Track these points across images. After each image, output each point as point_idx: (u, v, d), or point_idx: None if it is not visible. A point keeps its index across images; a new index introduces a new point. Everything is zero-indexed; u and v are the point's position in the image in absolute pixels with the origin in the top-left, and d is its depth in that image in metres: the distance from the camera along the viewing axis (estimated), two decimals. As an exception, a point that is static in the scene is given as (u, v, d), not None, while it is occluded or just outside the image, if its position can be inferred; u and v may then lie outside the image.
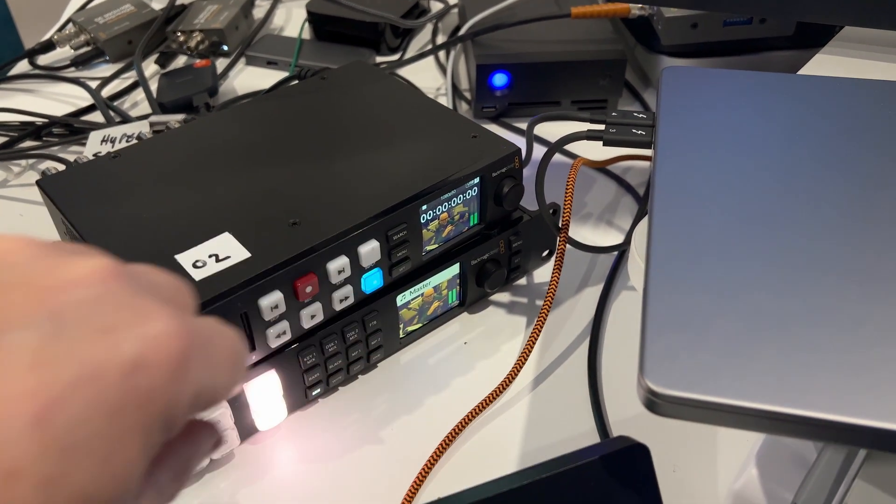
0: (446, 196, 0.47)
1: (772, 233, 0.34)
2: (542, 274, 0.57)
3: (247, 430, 0.44)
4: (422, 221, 0.46)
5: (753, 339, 0.29)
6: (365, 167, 0.47)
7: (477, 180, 0.48)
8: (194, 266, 0.40)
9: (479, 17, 0.76)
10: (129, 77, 0.82)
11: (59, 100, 0.79)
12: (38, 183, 0.47)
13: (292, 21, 0.94)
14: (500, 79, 0.72)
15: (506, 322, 0.53)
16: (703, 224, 0.35)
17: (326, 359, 0.45)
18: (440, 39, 0.87)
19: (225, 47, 0.86)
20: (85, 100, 0.77)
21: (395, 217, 0.44)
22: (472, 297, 0.53)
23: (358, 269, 0.44)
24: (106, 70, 0.83)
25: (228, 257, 0.41)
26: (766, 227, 0.34)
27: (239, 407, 0.42)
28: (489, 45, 0.73)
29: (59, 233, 0.50)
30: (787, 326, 0.29)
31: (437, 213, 0.47)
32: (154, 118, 0.63)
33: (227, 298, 0.38)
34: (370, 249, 0.43)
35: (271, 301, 0.40)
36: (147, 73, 0.81)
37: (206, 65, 0.79)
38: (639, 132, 0.43)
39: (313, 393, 0.46)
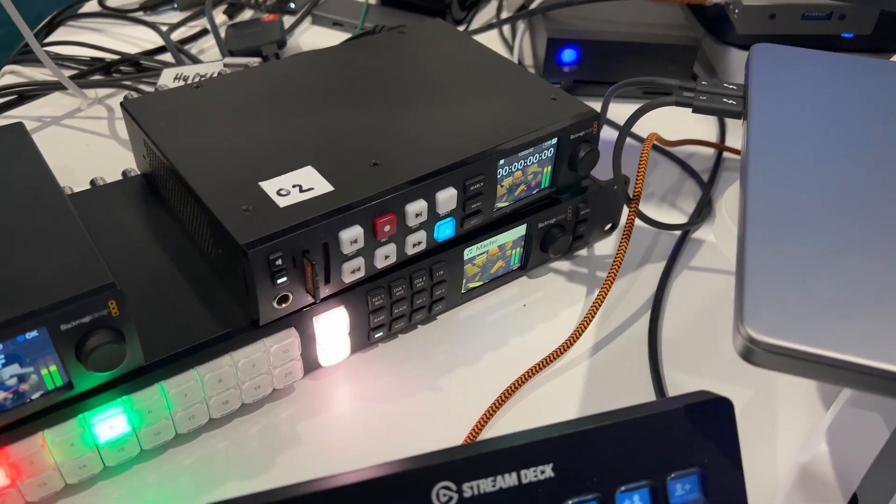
0: (524, 153, 0.46)
1: (865, 201, 0.34)
2: (602, 247, 0.56)
3: (310, 364, 0.44)
4: (498, 176, 0.46)
5: (854, 296, 0.29)
6: (443, 117, 0.47)
7: (555, 141, 0.48)
8: (278, 193, 0.40)
9: (553, -8, 0.75)
10: (196, 25, 0.83)
11: (126, 40, 0.79)
12: (122, 104, 0.48)
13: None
14: (568, 54, 0.72)
15: (565, 289, 0.53)
16: (799, 187, 0.34)
17: (392, 302, 0.45)
18: (504, 14, 0.87)
19: (292, 4, 0.86)
20: (151, 42, 0.78)
21: (473, 167, 0.44)
22: (533, 261, 0.53)
23: (433, 216, 0.44)
24: (172, 17, 0.84)
25: (312, 189, 0.41)
26: (860, 196, 0.34)
27: (306, 340, 0.43)
28: (560, 21, 0.73)
29: (135, 157, 0.50)
30: (885, 286, 0.29)
31: (513, 169, 0.47)
32: (229, 60, 0.63)
33: (311, 226, 0.39)
34: (448, 196, 0.43)
35: (351, 235, 0.40)
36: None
37: (273, 19, 0.79)
38: (730, 102, 0.43)
39: (376, 335, 0.46)
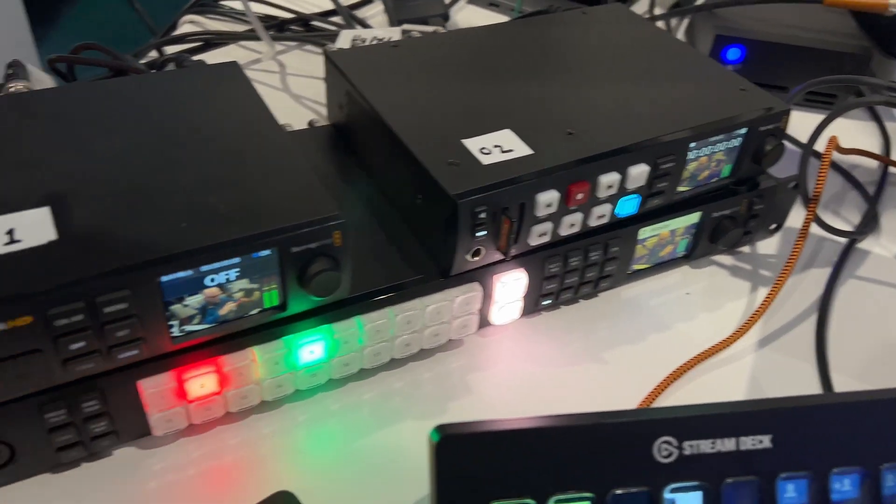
0: (714, 139, 0.46)
1: None
2: (764, 246, 0.56)
3: (482, 321, 0.45)
4: (687, 158, 0.46)
5: None
6: (632, 95, 0.48)
7: (744, 131, 0.47)
8: (481, 151, 0.42)
9: (723, -11, 0.74)
10: (360, -6, 0.85)
11: (293, 2, 0.83)
12: (327, 55, 0.50)
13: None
14: (734, 53, 0.71)
15: (729, 283, 0.52)
16: None
17: (565, 272, 0.46)
18: (657, 10, 0.86)
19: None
20: (315, 6, 0.81)
21: (666, 146, 0.44)
22: (699, 251, 0.52)
23: (622, 190, 0.44)
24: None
25: (512, 150, 0.42)
26: None
27: (485, 297, 0.44)
28: (727, 18, 0.72)
29: (329, 107, 0.53)
30: None
31: (700, 154, 0.47)
32: (407, 26, 0.65)
33: (514, 185, 0.40)
34: (639, 172, 0.44)
35: (548, 198, 0.41)
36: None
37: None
38: (947, 105, 0.42)
39: (543, 303, 0.47)
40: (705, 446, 0.29)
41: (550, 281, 0.46)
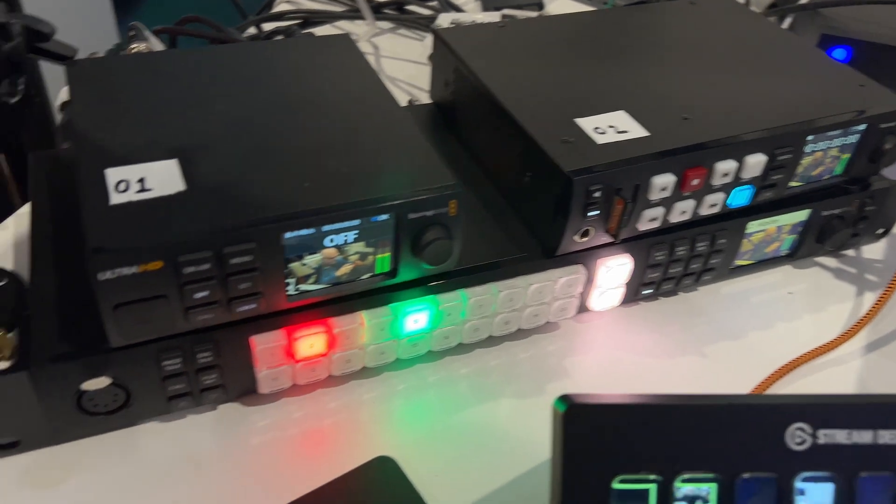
0: (832, 133, 0.45)
1: None
2: (871, 251, 0.54)
3: (582, 305, 0.45)
4: (804, 151, 0.45)
5: None
6: (747, 85, 0.46)
7: (863, 127, 0.46)
8: (595, 131, 0.41)
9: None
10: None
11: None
12: (436, 32, 0.50)
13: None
14: (839, 53, 0.69)
15: (833, 285, 0.51)
16: None
17: (670, 261, 0.45)
18: (753, 9, 0.84)
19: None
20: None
21: (785, 137, 0.43)
22: (803, 251, 0.51)
23: (736, 180, 0.43)
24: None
25: (627, 131, 0.41)
26: None
27: (588, 280, 0.43)
28: (832, 18, 0.70)
29: (432, 85, 0.53)
30: None
31: (816, 148, 0.45)
32: (507, 11, 0.65)
33: (630, 166, 0.39)
34: (756, 162, 0.42)
35: (663, 182, 0.40)
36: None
37: None
38: None
39: (643, 292, 0.46)
40: (841, 436, 0.27)
41: (654, 269, 0.45)
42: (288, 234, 0.34)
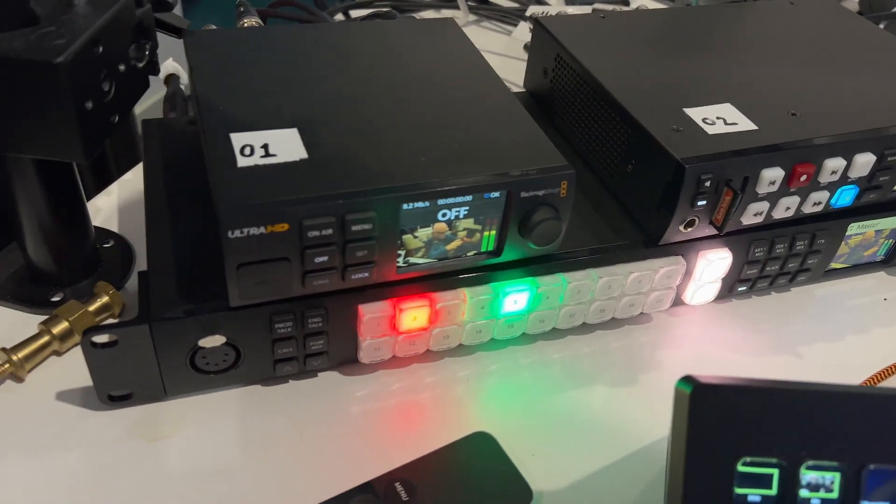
0: (944, 137, 0.44)
1: None
2: (968, 263, 0.52)
3: (676, 298, 0.45)
4: (914, 154, 0.44)
5: None
6: (853, 84, 0.46)
7: (977, 132, 0.44)
8: (704, 121, 0.41)
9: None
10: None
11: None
12: (536, 20, 0.50)
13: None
14: (936, 62, 0.67)
15: (930, 294, 0.49)
16: None
17: (767, 259, 0.45)
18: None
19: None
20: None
21: (893, 139, 0.42)
22: (900, 257, 0.50)
23: (843, 179, 0.42)
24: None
25: (736, 124, 0.41)
26: None
27: (686, 273, 0.43)
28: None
29: (527, 73, 0.53)
30: None
31: (926, 152, 0.44)
32: (597, 5, 0.65)
33: (742, 157, 0.39)
34: (865, 161, 0.42)
35: (772, 175, 0.40)
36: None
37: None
38: None
39: (738, 289, 0.46)
40: (976, 434, 0.27)
41: (752, 266, 0.45)
42: (406, 206, 0.34)
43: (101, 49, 0.34)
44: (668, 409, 0.29)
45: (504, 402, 0.40)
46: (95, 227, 0.45)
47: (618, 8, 0.69)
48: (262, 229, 0.32)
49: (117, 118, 0.37)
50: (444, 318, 0.39)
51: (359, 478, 0.34)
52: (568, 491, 0.36)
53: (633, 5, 0.82)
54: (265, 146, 0.35)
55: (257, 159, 0.34)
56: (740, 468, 0.27)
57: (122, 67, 0.37)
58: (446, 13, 0.74)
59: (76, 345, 0.40)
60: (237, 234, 0.32)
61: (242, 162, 0.34)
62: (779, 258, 0.45)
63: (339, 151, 0.35)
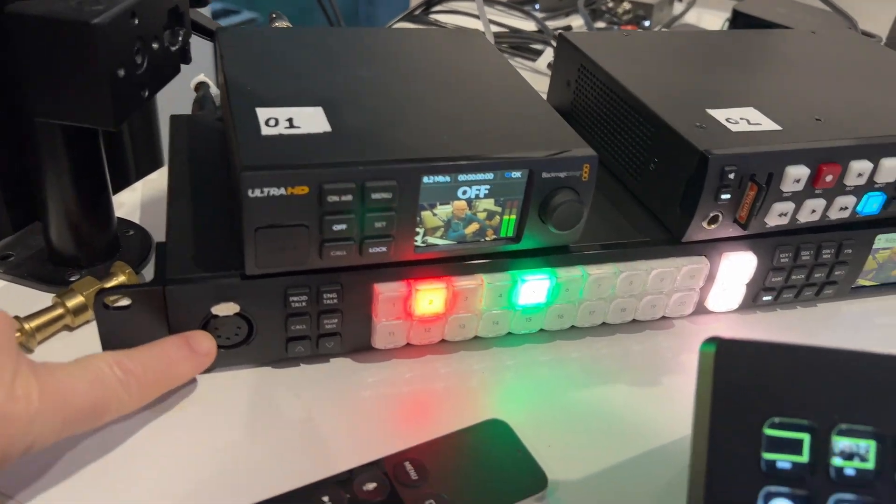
0: (972, 148, 0.43)
1: None
2: None
3: (700, 305, 0.43)
4: (942, 163, 0.43)
5: None
6: (876, 100, 0.46)
7: None
8: (727, 121, 0.41)
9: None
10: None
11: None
12: (561, 35, 0.52)
13: (708, 16, 0.96)
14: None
15: (964, 316, 0.48)
16: None
17: (793, 266, 0.44)
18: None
19: (647, 23, 0.89)
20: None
21: (922, 145, 0.42)
22: (931, 277, 0.48)
23: (870, 184, 0.42)
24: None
25: (759, 124, 0.41)
26: None
27: (709, 277, 0.42)
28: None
29: (550, 89, 0.54)
30: None
31: (954, 164, 0.44)
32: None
33: (766, 151, 0.39)
34: (891, 166, 0.41)
35: (797, 173, 0.39)
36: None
37: (633, 29, 0.83)
38: None
39: (763, 298, 0.45)
40: None
41: (778, 273, 0.44)
42: (426, 179, 0.34)
43: (136, 21, 0.36)
44: (692, 411, 0.28)
45: (520, 395, 0.39)
46: (118, 217, 0.45)
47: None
48: (283, 191, 0.32)
49: (147, 93, 0.38)
50: (461, 303, 0.38)
51: (367, 458, 0.33)
52: (584, 483, 0.34)
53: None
54: (290, 119, 0.35)
55: (281, 129, 0.34)
56: (768, 431, 0.26)
57: (155, 45, 0.38)
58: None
59: (89, 321, 0.39)
60: (257, 193, 0.32)
61: (266, 131, 0.34)
62: (804, 266, 0.44)
63: (364, 128, 0.36)
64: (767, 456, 0.26)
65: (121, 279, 0.41)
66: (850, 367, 0.26)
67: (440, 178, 0.34)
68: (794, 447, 0.26)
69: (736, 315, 0.45)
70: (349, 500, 0.31)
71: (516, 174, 0.36)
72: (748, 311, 0.46)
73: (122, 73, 0.35)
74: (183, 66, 0.42)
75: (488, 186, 0.35)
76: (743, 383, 0.26)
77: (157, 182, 0.52)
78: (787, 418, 0.26)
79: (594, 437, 0.37)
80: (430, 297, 0.37)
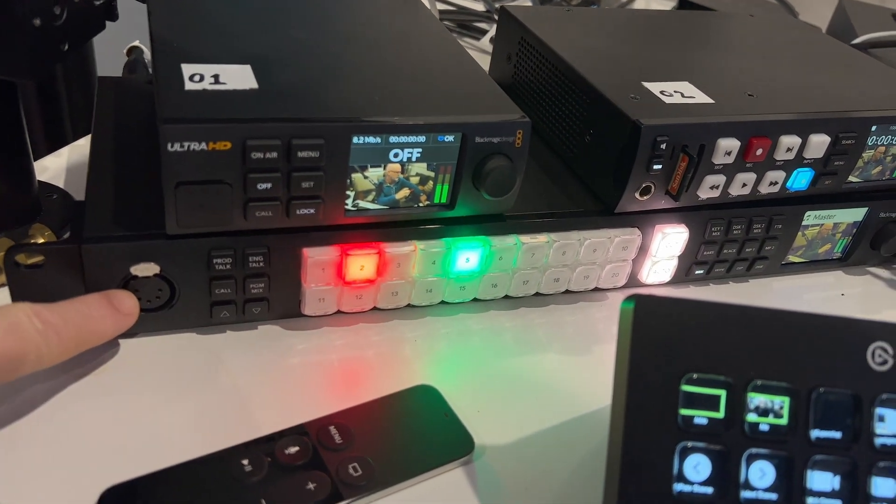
0: (894, 128, 0.45)
1: None
2: (924, 269, 0.52)
3: (632, 278, 0.44)
4: (867, 143, 0.44)
5: None
6: (809, 79, 0.47)
7: (929, 127, 0.45)
8: (661, 93, 0.41)
9: None
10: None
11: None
12: (504, 9, 0.51)
13: (656, 4, 0.97)
14: None
15: (887, 293, 0.50)
16: None
17: (725, 241, 0.44)
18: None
19: (595, 7, 0.90)
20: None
21: (848, 122, 0.43)
22: (856, 256, 0.50)
23: (798, 159, 0.43)
24: None
25: (693, 97, 0.41)
26: None
27: (642, 249, 0.42)
28: None
29: (492, 64, 0.54)
30: None
31: (878, 142, 0.45)
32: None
33: (697, 122, 0.39)
34: (819, 141, 0.42)
35: (728, 145, 0.40)
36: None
37: (582, 12, 0.83)
38: None
39: (696, 272, 0.45)
40: (925, 360, 0.26)
41: (709, 246, 0.44)
42: (356, 139, 0.33)
43: (54, -31, 0.34)
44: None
45: (453, 363, 0.38)
46: (41, 181, 0.44)
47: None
48: (204, 145, 0.31)
49: (67, 46, 0.37)
50: (393, 270, 0.37)
51: (292, 423, 0.32)
52: (512, 447, 0.34)
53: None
54: (216, 76, 0.34)
55: (206, 85, 0.33)
56: (685, 388, 0.26)
57: (76, -3, 0.37)
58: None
59: (3, 285, 0.38)
60: (177, 147, 0.30)
61: (190, 86, 0.33)
62: (736, 241, 0.45)
63: (294, 86, 0.35)
64: (684, 412, 0.26)
65: (39, 241, 0.39)
66: (766, 325, 0.26)
67: (371, 139, 0.34)
68: (711, 403, 0.26)
69: (669, 288, 0.46)
70: (270, 464, 0.30)
71: (449, 138, 0.35)
72: (681, 284, 0.46)
73: (37, 22, 0.33)
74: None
75: (420, 150, 0.35)
76: (661, 340, 0.26)
77: (84, 148, 0.50)
78: (705, 374, 0.26)
79: (524, 403, 0.36)
80: (361, 263, 0.37)
